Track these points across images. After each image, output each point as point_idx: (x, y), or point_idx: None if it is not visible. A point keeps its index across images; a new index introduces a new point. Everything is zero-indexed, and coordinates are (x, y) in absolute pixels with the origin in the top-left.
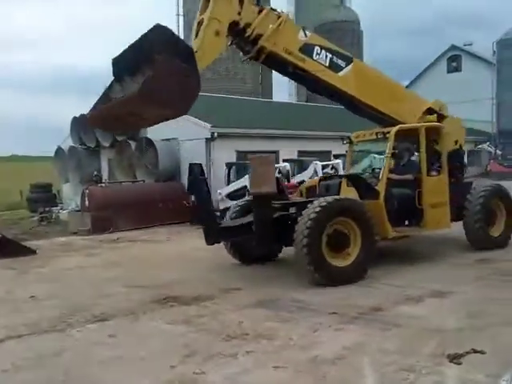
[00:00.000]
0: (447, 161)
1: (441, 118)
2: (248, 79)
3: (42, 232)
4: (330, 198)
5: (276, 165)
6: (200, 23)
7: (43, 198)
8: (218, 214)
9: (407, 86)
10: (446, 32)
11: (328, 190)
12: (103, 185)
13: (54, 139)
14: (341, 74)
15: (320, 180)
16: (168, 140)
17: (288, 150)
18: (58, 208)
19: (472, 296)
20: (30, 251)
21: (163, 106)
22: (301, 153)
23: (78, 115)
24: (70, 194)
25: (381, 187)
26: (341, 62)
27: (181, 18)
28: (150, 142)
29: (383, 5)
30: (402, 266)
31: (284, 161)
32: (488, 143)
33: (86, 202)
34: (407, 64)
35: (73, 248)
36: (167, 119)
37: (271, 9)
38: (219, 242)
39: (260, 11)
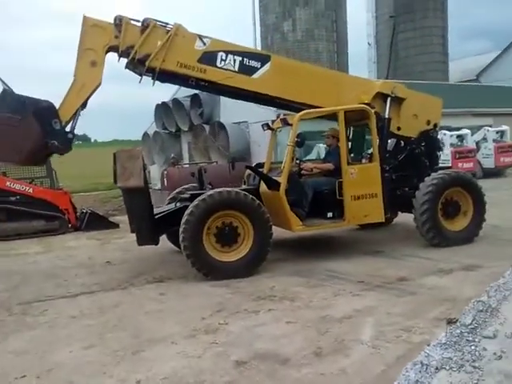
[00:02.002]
0: (418, 143)
1: (397, 100)
2: (323, 59)
3: None
4: (211, 192)
5: None
6: None
7: None
8: None
9: (499, 56)
10: None
11: (254, 179)
12: (179, 166)
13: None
14: (255, 76)
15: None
16: (238, 123)
17: None
18: None
19: (502, 270)
20: (114, 225)
21: None
22: None
23: (160, 102)
24: (156, 175)
25: (283, 178)
26: (254, 63)
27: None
28: (221, 126)
29: None
30: None
31: None
32: None
33: (165, 182)
34: (502, 33)
35: None
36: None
37: (158, 23)
38: (156, 243)
39: (144, 29)
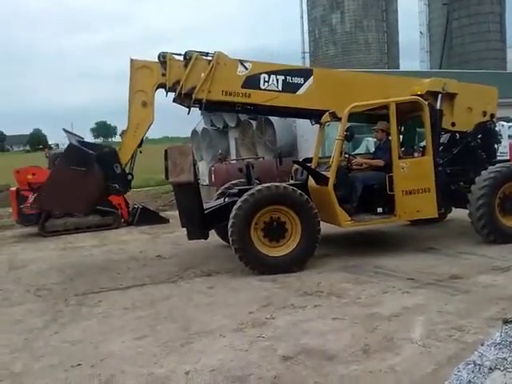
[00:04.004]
0: (474, 136)
1: (449, 95)
2: (372, 50)
3: None
4: (259, 187)
5: None
6: None
7: None
8: None
9: None
10: None
11: (302, 174)
12: (227, 162)
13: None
14: (300, 92)
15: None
16: (285, 118)
17: None
18: None
19: None
20: (165, 220)
21: (60, 208)
22: None
23: None
24: (205, 171)
25: (331, 172)
26: (297, 80)
27: None
28: (268, 121)
29: None
30: None
31: None
32: None
33: (213, 178)
34: None
35: None
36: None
37: (200, 54)
38: (206, 237)
39: (187, 62)
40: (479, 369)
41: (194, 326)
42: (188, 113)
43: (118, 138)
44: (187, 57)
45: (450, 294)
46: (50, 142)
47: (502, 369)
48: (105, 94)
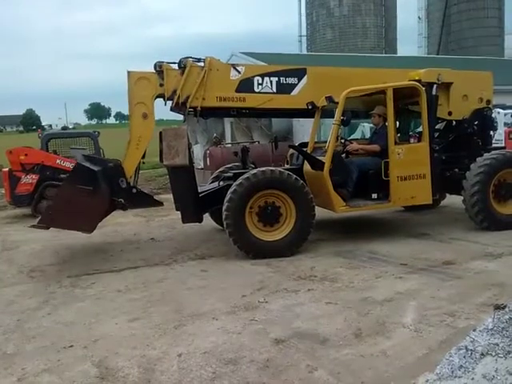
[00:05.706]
0: (470, 123)
1: (445, 85)
2: (370, 34)
3: None
4: (254, 171)
5: None
6: None
7: None
8: None
9: None
10: None
11: (298, 158)
12: (222, 146)
13: None
14: (294, 92)
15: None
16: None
17: None
18: None
19: None
20: (159, 203)
21: (68, 227)
22: None
23: None
24: (200, 155)
25: (327, 157)
26: (291, 80)
27: None
28: None
29: None
30: None
31: None
32: None
33: (208, 161)
34: None
35: None
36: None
37: (193, 60)
38: (200, 221)
39: (183, 71)
40: (471, 354)
41: (187, 308)
42: (184, 121)
43: (111, 120)
44: (182, 65)
45: (442, 280)
46: (43, 123)
47: (493, 354)
48: (99, 74)
